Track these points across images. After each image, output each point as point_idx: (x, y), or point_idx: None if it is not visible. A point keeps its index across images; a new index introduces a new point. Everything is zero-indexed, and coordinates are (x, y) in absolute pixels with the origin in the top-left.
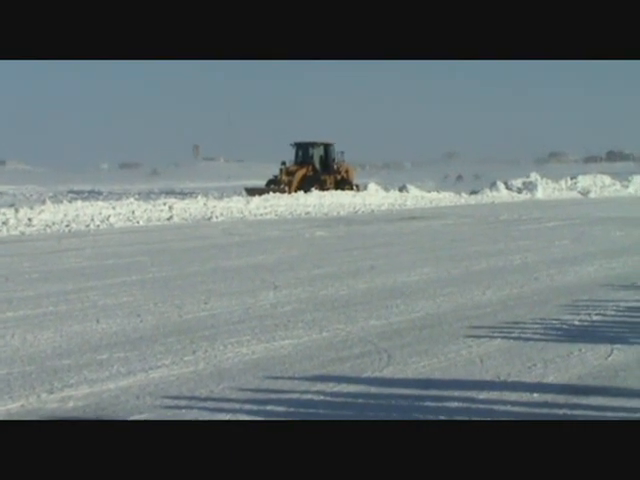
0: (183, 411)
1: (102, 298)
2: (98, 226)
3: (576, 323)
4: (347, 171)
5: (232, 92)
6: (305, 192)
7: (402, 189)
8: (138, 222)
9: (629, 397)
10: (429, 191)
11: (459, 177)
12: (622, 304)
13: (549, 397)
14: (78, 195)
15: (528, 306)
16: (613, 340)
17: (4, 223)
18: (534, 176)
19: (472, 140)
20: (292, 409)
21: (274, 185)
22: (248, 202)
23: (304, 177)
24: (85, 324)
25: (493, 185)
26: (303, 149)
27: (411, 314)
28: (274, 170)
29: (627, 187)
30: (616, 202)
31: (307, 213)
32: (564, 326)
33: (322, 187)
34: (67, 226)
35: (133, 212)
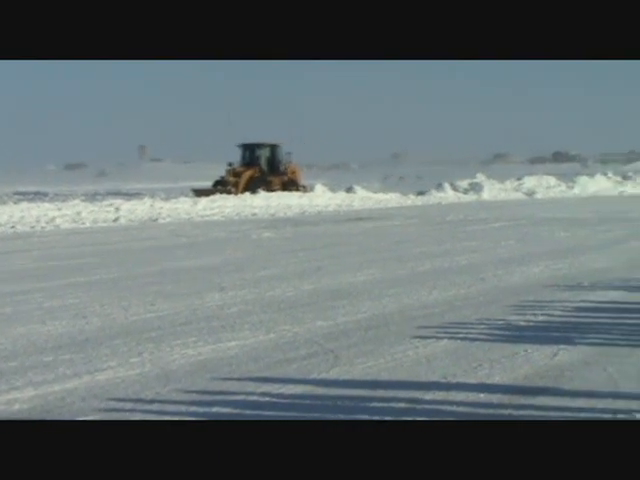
0: (129, 413)
1: (48, 300)
2: (44, 227)
3: (522, 323)
4: (294, 172)
5: (180, 93)
6: (252, 193)
7: (349, 190)
8: (84, 223)
9: (574, 397)
10: (376, 192)
11: (401, 178)
12: (568, 304)
13: (495, 397)
14: (24, 196)
15: (474, 307)
16: (559, 340)
17: None
18: (480, 177)
19: (419, 141)
20: (238, 410)
21: (221, 186)
22: (195, 203)
23: (251, 178)
24: (31, 326)
25: (439, 186)
26: (250, 150)
27: (357, 315)
28: (221, 171)
29: (572, 188)
30: (562, 203)
31: (254, 214)
32: (510, 326)
33: (269, 188)
34: (12, 227)
35: (79, 213)
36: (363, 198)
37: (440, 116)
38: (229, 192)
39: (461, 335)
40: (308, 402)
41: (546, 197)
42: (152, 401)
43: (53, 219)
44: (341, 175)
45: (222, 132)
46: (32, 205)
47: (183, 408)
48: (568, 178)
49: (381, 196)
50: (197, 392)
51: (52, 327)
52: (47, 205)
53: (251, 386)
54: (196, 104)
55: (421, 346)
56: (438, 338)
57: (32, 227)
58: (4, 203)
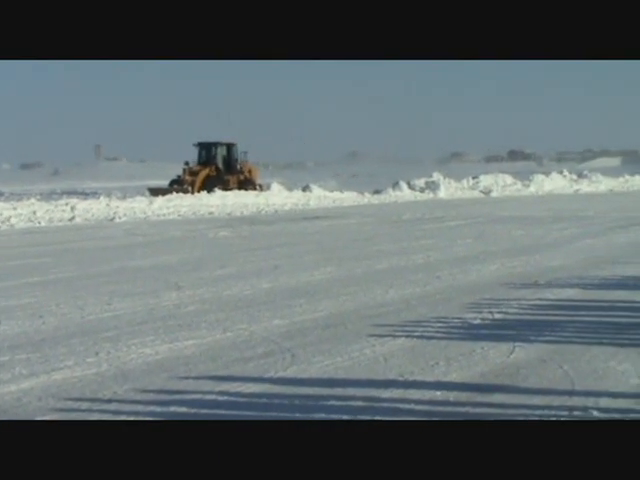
0: (86, 413)
1: (3, 299)
2: None
3: (478, 322)
4: (250, 171)
5: (134, 91)
6: (208, 192)
7: (305, 189)
8: (40, 223)
9: (531, 395)
10: (332, 191)
11: (353, 176)
12: (524, 302)
13: (452, 395)
14: None
15: (431, 305)
16: (515, 338)
17: None
18: (436, 176)
19: (374, 140)
20: (195, 410)
21: (177, 185)
22: (151, 202)
23: (207, 177)
24: None
25: (396, 185)
26: (206, 149)
27: (314, 313)
28: (177, 170)
29: (528, 186)
30: (518, 201)
31: (210, 213)
32: (466, 325)
33: (225, 187)
34: None
35: (34, 213)
36: (319, 197)
37: (396, 115)
38: (185, 191)
39: (418, 333)
40: (265, 401)
41: (502, 195)
42: (109, 400)
43: (8, 218)
44: (297, 174)
45: (178, 131)
46: None
47: (140, 407)
48: (524, 176)
49: (337, 195)
50: (154, 391)
51: (8, 327)
52: (2, 204)
53: (208, 385)
54: (151, 103)
55: (378, 344)
56: (395, 336)
57: None
58: None
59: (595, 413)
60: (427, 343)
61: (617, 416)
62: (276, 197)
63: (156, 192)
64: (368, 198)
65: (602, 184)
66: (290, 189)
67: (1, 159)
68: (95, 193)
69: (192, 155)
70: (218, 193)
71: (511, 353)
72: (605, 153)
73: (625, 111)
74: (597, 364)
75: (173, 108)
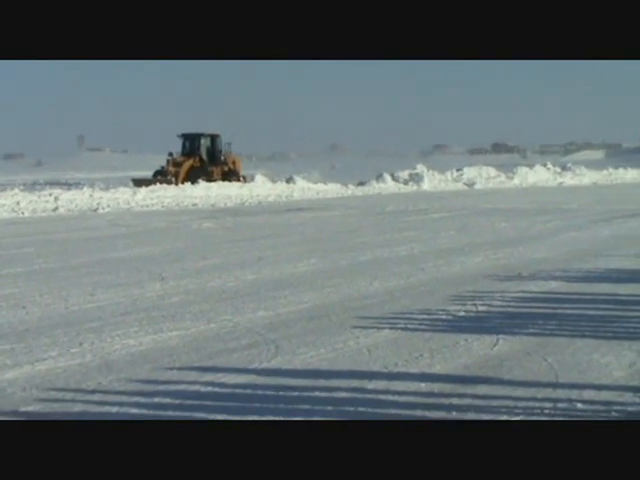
0: (70, 403)
1: None
2: None
3: (462, 313)
4: (234, 162)
5: (118, 81)
6: (192, 183)
7: (289, 180)
8: (23, 213)
9: (515, 386)
10: (316, 183)
11: (332, 167)
12: (507, 294)
13: (436, 387)
14: None
15: (415, 297)
16: (498, 330)
17: None
18: (420, 168)
19: (356, 132)
20: (179, 401)
21: (161, 176)
22: (135, 193)
23: (191, 168)
24: None
25: (380, 177)
26: (190, 140)
27: (299, 305)
28: (161, 161)
29: (512, 179)
30: (501, 193)
31: (194, 204)
32: (450, 317)
33: (209, 178)
34: None
35: (18, 203)
36: (303, 189)
37: (379, 107)
38: (169, 182)
39: (402, 325)
40: (250, 392)
41: (486, 188)
42: (93, 391)
43: None
44: (280, 165)
45: (161, 122)
46: None
47: (125, 398)
48: (507, 169)
49: (321, 187)
50: (139, 382)
51: None
52: None
53: (193, 376)
54: (134, 93)
55: (362, 336)
56: (379, 328)
57: None
58: None
59: (579, 405)
60: (411, 335)
61: (601, 408)
62: (260, 188)
63: (140, 183)
64: (352, 190)
65: (586, 177)
66: (274, 181)
67: None
68: (78, 184)
69: (176, 146)
70: (202, 184)
71: (495, 345)
72: (588, 146)
73: (608, 104)
74: (581, 357)
75: (156, 98)
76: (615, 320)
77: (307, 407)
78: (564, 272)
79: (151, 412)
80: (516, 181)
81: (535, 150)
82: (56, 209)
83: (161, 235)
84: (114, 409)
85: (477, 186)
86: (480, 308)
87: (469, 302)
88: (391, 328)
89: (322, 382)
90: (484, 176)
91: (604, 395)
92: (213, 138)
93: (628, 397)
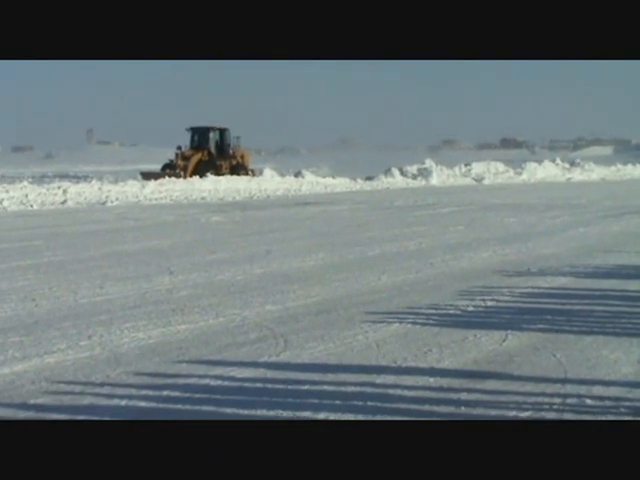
0: (79, 396)
1: None
2: None
3: (471, 309)
4: (243, 156)
5: (127, 75)
6: (201, 177)
7: (297, 175)
8: (32, 206)
9: (524, 382)
10: (324, 177)
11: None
12: (516, 290)
13: (445, 382)
14: None
15: (423, 292)
16: (507, 326)
17: None
18: (429, 162)
19: (366, 127)
20: (189, 394)
21: (169, 170)
22: (143, 187)
23: (199, 162)
24: None
25: (388, 171)
26: (199, 134)
27: (307, 299)
28: (170, 155)
29: (521, 174)
30: (510, 189)
31: (202, 198)
32: (459, 312)
33: (218, 172)
34: None
35: (27, 196)
36: (312, 183)
37: (388, 102)
38: (178, 176)
39: (410, 320)
40: (259, 385)
41: (494, 183)
42: (102, 384)
43: (0, 201)
44: (289, 159)
45: (170, 116)
46: None
47: (133, 391)
48: (516, 164)
49: (329, 181)
50: (147, 375)
51: (1, 310)
52: None
53: (202, 369)
54: (143, 87)
55: (371, 331)
56: (388, 323)
57: None
58: None
59: (588, 401)
60: (420, 330)
61: (610, 404)
62: (268, 183)
63: (148, 176)
64: (360, 184)
65: (594, 173)
66: (282, 175)
67: None
68: (87, 177)
69: (185, 140)
70: (210, 178)
71: (504, 341)
72: (597, 142)
73: (618, 100)
74: (589, 352)
75: (165, 92)
76: (624, 316)
77: (315, 401)
78: (573, 268)
79: (160, 405)
80: (524, 176)
81: (544, 146)
82: (65, 202)
83: (170, 228)
84: (123, 402)
85: (485, 181)
86: (489, 303)
87: (478, 297)
88: (400, 323)
89: (331, 376)
90: (492, 171)
91: (613, 391)
92: (222, 132)
93: (637, 393)
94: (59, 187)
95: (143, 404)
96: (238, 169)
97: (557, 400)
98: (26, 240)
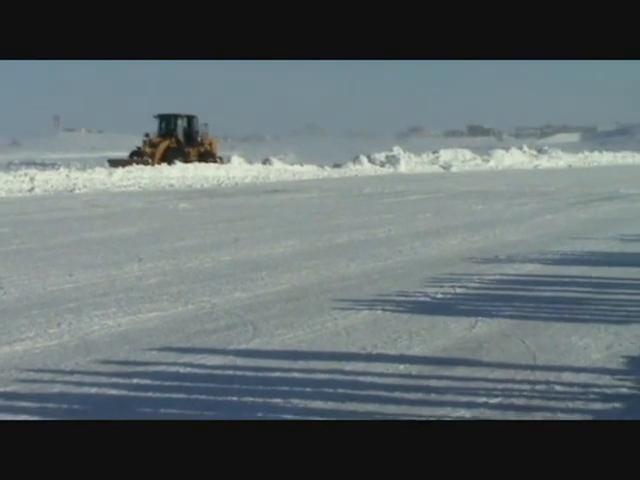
0: (49, 384)
1: None
2: None
3: (440, 296)
4: (211, 143)
5: (93, 62)
6: (169, 164)
7: (265, 162)
8: None
9: (493, 368)
10: (292, 164)
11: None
12: (485, 277)
13: (414, 368)
14: None
15: (392, 279)
16: (476, 313)
17: None
18: (397, 150)
19: (332, 113)
20: (159, 382)
21: (137, 157)
22: (111, 174)
23: (167, 149)
24: None
25: (356, 159)
26: (166, 121)
27: (276, 286)
28: (137, 142)
29: (488, 161)
30: (477, 176)
31: (171, 185)
32: (428, 299)
33: (186, 159)
34: None
35: None
36: (280, 170)
37: (354, 88)
38: (146, 163)
39: (380, 307)
40: (230, 373)
41: (462, 170)
42: (72, 372)
43: None
44: (255, 147)
45: (138, 103)
46: None
47: (103, 379)
48: (483, 151)
49: (297, 168)
50: (117, 363)
51: None
52: None
53: (172, 357)
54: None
55: (340, 318)
56: (357, 310)
57: None
58: None
59: (557, 387)
60: (389, 317)
61: (579, 390)
62: (236, 170)
63: (116, 163)
64: (328, 172)
65: (562, 160)
66: (250, 162)
67: None
68: (54, 164)
69: (152, 127)
70: (178, 165)
71: (473, 327)
72: (564, 129)
73: (584, 87)
74: (559, 339)
75: (133, 79)
76: (592, 303)
77: (286, 388)
78: (541, 254)
79: (130, 393)
80: (492, 164)
81: (511, 133)
82: (32, 189)
83: (138, 216)
84: (92, 390)
85: (453, 169)
86: (458, 290)
87: (447, 284)
88: (369, 310)
89: (301, 363)
90: (460, 159)
91: (582, 377)
92: (190, 119)
93: (606, 380)
94: (26, 174)
95: (113, 392)
96: (206, 156)
97: (526, 386)
98: None
